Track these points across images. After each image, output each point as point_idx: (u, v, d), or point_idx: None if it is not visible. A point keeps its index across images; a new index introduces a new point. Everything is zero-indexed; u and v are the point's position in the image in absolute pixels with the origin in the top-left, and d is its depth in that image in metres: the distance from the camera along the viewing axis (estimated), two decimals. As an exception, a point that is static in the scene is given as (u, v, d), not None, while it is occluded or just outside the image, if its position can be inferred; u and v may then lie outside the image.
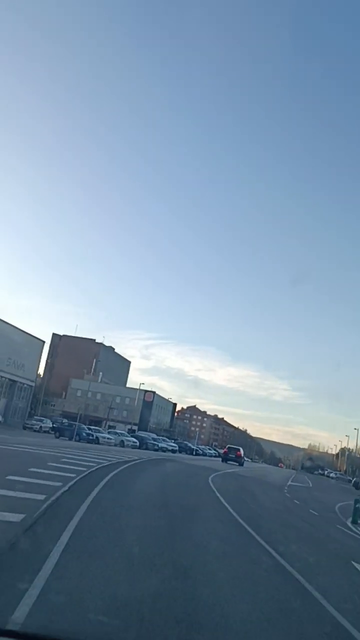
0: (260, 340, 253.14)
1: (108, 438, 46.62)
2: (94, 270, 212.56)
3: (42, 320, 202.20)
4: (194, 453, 73.02)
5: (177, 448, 62.63)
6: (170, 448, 60.96)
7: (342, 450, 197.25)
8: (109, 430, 58.46)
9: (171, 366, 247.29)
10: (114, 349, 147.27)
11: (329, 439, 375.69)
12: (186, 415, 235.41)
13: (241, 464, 50.70)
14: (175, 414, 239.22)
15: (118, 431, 56.18)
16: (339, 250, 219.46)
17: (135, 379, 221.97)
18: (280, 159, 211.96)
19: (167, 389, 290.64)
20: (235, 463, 49.67)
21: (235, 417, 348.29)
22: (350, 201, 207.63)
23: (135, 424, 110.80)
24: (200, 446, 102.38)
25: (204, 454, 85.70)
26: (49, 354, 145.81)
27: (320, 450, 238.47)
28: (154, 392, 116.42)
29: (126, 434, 55.13)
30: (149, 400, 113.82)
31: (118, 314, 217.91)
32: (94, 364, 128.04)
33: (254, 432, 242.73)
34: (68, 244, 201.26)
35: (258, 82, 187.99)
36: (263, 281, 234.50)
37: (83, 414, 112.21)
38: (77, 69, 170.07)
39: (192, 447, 77.73)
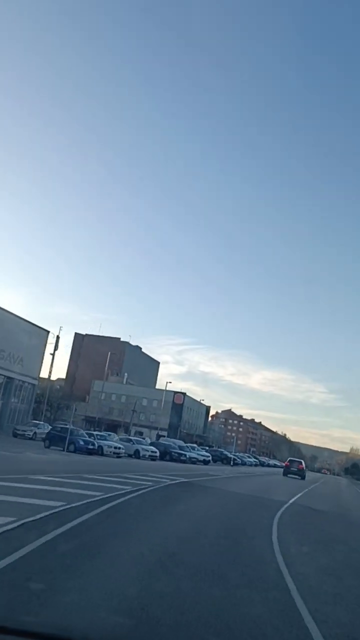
0: (295, 343, 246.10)
1: (116, 447, 34.19)
2: (125, 277, 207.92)
3: (73, 328, 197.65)
4: (232, 463, 60.00)
5: (209, 458, 49.75)
6: (201, 458, 48.17)
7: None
8: (121, 436, 46.26)
9: (205, 371, 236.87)
10: (140, 348, 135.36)
11: None
12: (221, 419, 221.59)
13: (303, 477, 46.65)
14: (209, 418, 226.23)
15: (133, 438, 43.75)
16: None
17: (168, 385, 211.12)
18: (302, 157, 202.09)
19: (201, 394, 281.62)
20: (297, 476, 45.77)
21: (271, 421, 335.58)
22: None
23: (164, 429, 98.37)
24: (237, 454, 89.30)
25: (243, 463, 72.51)
26: (71, 355, 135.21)
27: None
28: (184, 394, 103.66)
29: (143, 441, 42.69)
30: (179, 402, 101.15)
31: (150, 319, 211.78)
32: (107, 362, 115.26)
33: (291, 436, 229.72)
34: (96, 253, 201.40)
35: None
36: (297, 283, 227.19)
37: (100, 418, 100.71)
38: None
39: (229, 455, 64.74)
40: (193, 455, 46.06)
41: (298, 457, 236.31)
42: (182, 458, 42.81)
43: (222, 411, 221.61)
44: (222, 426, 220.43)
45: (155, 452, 39.24)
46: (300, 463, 49.96)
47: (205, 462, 48.43)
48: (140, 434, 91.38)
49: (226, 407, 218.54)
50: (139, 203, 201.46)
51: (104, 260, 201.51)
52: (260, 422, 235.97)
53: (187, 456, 44.06)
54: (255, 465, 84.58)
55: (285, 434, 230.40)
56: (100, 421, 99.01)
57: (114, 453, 33.87)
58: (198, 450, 52.90)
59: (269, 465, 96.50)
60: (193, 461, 45.21)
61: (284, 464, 54.73)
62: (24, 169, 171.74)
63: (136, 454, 38.18)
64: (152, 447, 40.09)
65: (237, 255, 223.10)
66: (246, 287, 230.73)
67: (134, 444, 39.30)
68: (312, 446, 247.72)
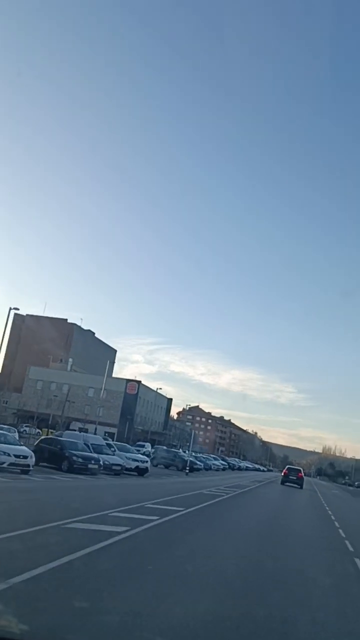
0: (264, 343, 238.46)
1: None
2: (95, 276, 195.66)
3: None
4: (188, 469, 41.15)
5: (147, 464, 30.46)
6: (132, 465, 28.95)
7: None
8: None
9: (175, 371, 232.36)
10: (93, 333, 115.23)
11: (337, 441, 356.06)
12: (188, 417, 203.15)
13: (301, 486, 43.64)
14: (176, 415, 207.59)
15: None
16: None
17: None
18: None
19: (172, 394, 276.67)
20: (296, 485, 43.16)
21: (241, 421, 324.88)
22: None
23: (113, 425, 79.05)
24: (202, 454, 70.59)
25: (207, 468, 53.87)
26: (10, 339, 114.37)
27: (337, 454, 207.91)
28: (139, 382, 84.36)
29: (8, 435, 23.15)
30: (132, 392, 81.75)
31: (121, 319, 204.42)
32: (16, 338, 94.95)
33: (260, 436, 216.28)
34: (71, 252, 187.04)
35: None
36: (267, 283, 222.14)
37: (35, 411, 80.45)
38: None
39: (186, 457, 45.96)
40: (116, 460, 26.78)
41: (269, 457, 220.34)
42: (90, 466, 23.56)
43: (190, 407, 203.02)
44: (190, 424, 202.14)
45: (27, 457, 19.89)
46: (300, 471, 47.70)
47: (141, 472, 29.31)
48: (84, 430, 71.87)
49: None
50: (111, 202, 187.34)
51: (74, 258, 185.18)
52: (230, 420, 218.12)
53: (103, 463, 24.83)
54: (224, 469, 65.92)
55: (256, 433, 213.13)
56: (33, 415, 79.04)
57: None
58: (134, 451, 33.73)
59: (239, 469, 78.04)
60: (115, 471, 26.08)
61: (282, 472, 50.74)
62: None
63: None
64: (22, 448, 20.66)
65: (207, 255, 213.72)
66: (217, 286, 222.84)
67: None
68: (281, 446, 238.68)
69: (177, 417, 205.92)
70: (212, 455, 71.22)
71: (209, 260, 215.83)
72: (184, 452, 54.81)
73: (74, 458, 23.32)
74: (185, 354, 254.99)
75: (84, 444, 26.31)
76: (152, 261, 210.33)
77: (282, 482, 44.14)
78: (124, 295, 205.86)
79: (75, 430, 69.16)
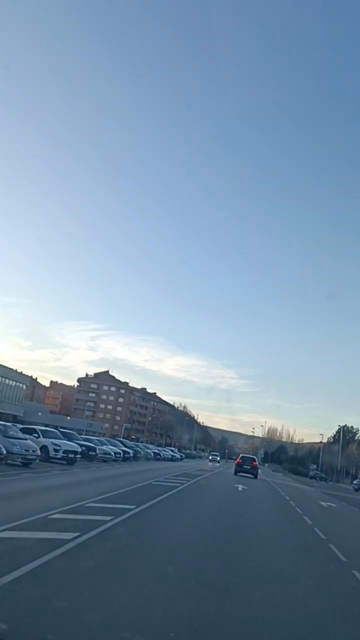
0: (207, 329, 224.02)
1: None
2: (38, 260, 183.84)
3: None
4: None
5: None
6: None
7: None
8: None
9: (119, 357, 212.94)
10: None
11: (278, 425, 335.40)
12: (92, 385, 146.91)
13: (255, 476, 40.69)
14: (76, 383, 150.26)
15: None
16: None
17: (82, 371, 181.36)
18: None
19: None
20: (250, 475, 39.78)
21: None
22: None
23: None
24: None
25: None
26: None
27: (285, 437, 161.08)
28: None
29: None
30: None
31: (62, 305, 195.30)
32: None
33: (201, 420, 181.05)
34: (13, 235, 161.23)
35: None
36: (207, 271, 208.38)
37: None
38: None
39: None
40: None
41: (206, 440, 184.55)
42: None
43: (96, 374, 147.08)
44: (94, 395, 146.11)
45: None
46: (254, 460, 45.42)
47: None
48: None
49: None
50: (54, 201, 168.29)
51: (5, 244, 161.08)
52: (155, 393, 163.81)
53: None
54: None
55: (185, 406, 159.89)
56: None
57: None
58: None
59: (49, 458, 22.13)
60: None
61: (235, 461, 47.67)
62: None
63: None
64: None
65: (149, 241, 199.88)
66: (160, 272, 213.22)
67: None
68: (222, 430, 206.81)
69: (78, 385, 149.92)
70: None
71: (151, 246, 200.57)
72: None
73: None
74: (129, 340, 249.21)
75: None
76: (92, 247, 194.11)
77: (236, 472, 41.03)
78: (65, 280, 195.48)
79: None
